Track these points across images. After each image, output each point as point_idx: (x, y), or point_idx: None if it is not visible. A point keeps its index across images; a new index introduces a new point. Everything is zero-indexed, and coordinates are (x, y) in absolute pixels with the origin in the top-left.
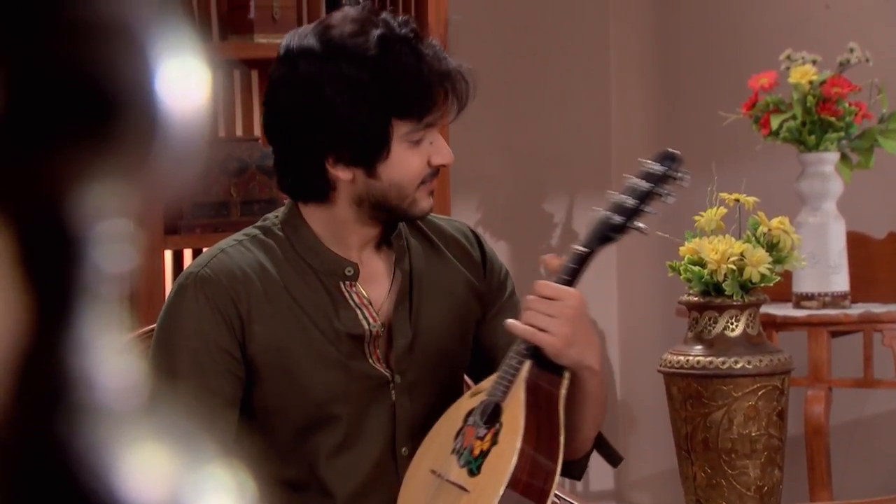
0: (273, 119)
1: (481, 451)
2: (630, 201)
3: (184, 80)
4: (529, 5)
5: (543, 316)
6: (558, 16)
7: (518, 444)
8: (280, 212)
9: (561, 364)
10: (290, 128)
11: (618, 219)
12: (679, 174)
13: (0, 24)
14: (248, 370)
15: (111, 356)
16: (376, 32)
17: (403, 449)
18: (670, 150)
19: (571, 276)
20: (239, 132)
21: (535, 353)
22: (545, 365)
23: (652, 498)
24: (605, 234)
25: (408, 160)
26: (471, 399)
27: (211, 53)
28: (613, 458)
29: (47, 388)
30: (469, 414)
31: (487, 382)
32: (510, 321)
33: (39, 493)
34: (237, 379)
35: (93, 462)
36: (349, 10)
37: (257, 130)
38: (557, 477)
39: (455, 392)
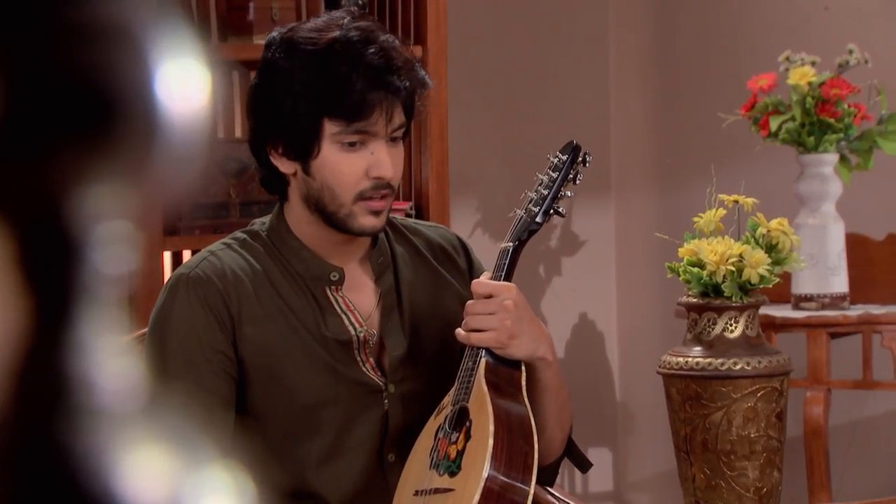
0: (246, 106)
1: (457, 452)
2: (546, 191)
3: (183, 82)
4: (529, 6)
5: (483, 316)
6: (557, 17)
7: (491, 427)
8: (267, 218)
9: (512, 357)
10: (247, 113)
11: (539, 208)
12: (581, 158)
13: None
14: (239, 372)
15: (111, 358)
16: (330, 34)
17: (390, 455)
18: (572, 140)
19: (504, 272)
20: (238, 133)
21: (488, 352)
22: (500, 360)
23: (651, 499)
24: (530, 226)
25: (339, 162)
26: (436, 418)
27: (210, 55)
28: (583, 464)
29: (47, 389)
30: (438, 430)
31: (448, 397)
32: (457, 331)
33: (39, 495)
34: (232, 379)
35: (93, 464)
36: (333, 13)
37: None
38: (537, 457)
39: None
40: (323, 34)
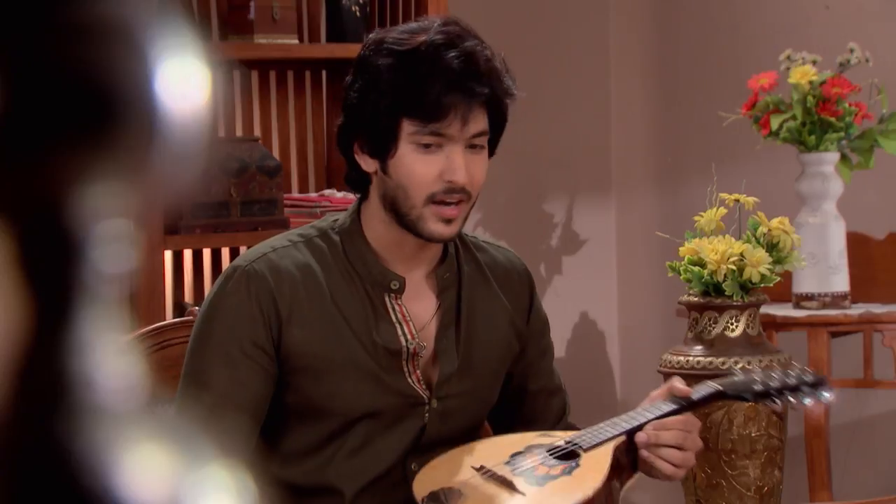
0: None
1: (547, 474)
2: (781, 383)
3: (183, 81)
4: (529, 5)
5: (687, 448)
6: (558, 16)
7: (597, 484)
8: (343, 216)
9: (649, 472)
10: (342, 112)
11: (759, 389)
12: (823, 396)
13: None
14: (282, 371)
15: (111, 357)
16: (419, 37)
17: (413, 464)
18: (825, 380)
19: (699, 408)
20: (239, 132)
21: (632, 433)
22: (630, 451)
23: (652, 498)
24: (743, 396)
25: (413, 163)
26: (538, 436)
27: (211, 53)
28: None
29: (47, 388)
30: (533, 447)
31: (563, 432)
32: (642, 435)
33: (40, 493)
34: (269, 375)
35: (93, 462)
36: (430, 18)
37: (257, 130)
38: None
39: (479, 425)
40: (413, 37)
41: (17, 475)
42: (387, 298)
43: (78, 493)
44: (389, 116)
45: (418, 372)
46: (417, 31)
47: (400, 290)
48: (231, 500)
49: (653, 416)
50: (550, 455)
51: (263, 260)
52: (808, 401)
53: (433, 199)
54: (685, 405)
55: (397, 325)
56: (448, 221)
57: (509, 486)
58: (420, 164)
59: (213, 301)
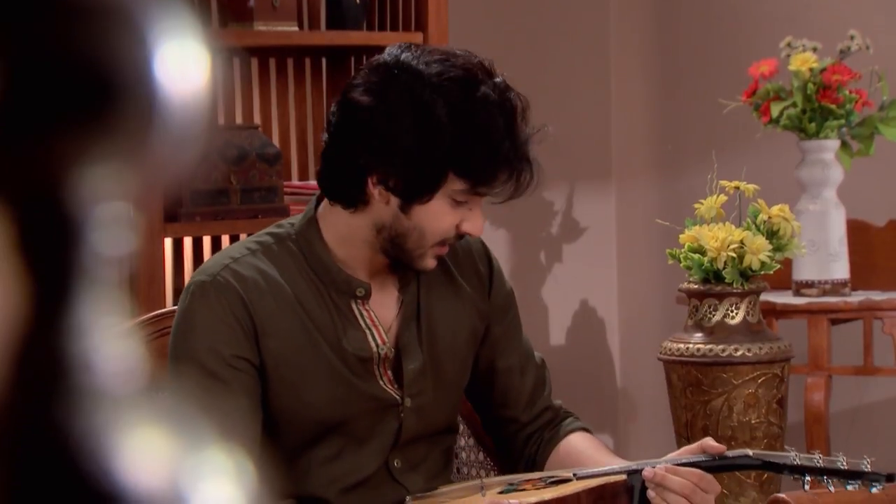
0: (347, 112)
1: (523, 488)
2: (818, 465)
3: (183, 66)
4: None
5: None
6: (558, 3)
7: (579, 488)
8: (296, 220)
9: None
10: (357, 129)
11: (797, 462)
12: (873, 487)
13: None
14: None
15: (110, 340)
16: (483, 88)
17: (396, 461)
18: (892, 475)
19: (725, 470)
20: (239, 120)
21: (638, 486)
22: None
23: None
24: (781, 471)
25: (442, 215)
26: (543, 473)
27: (210, 40)
28: None
29: (46, 372)
30: (532, 479)
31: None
32: (656, 472)
33: (39, 477)
34: (257, 386)
35: (92, 446)
36: (469, 55)
37: (257, 118)
38: None
39: (456, 410)
40: (472, 84)
41: (15, 459)
42: (353, 305)
43: (77, 477)
44: (438, 168)
45: (389, 373)
46: (469, 77)
47: (366, 297)
48: (229, 483)
49: (667, 461)
50: (543, 480)
51: (228, 271)
52: (850, 487)
53: (442, 243)
54: (709, 460)
55: (367, 331)
56: (439, 257)
57: (478, 488)
58: (448, 217)
59: (186, 318)
